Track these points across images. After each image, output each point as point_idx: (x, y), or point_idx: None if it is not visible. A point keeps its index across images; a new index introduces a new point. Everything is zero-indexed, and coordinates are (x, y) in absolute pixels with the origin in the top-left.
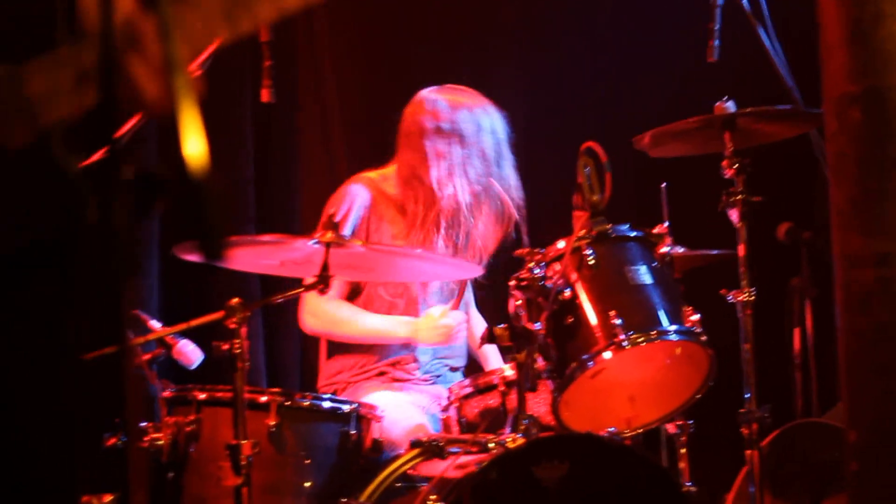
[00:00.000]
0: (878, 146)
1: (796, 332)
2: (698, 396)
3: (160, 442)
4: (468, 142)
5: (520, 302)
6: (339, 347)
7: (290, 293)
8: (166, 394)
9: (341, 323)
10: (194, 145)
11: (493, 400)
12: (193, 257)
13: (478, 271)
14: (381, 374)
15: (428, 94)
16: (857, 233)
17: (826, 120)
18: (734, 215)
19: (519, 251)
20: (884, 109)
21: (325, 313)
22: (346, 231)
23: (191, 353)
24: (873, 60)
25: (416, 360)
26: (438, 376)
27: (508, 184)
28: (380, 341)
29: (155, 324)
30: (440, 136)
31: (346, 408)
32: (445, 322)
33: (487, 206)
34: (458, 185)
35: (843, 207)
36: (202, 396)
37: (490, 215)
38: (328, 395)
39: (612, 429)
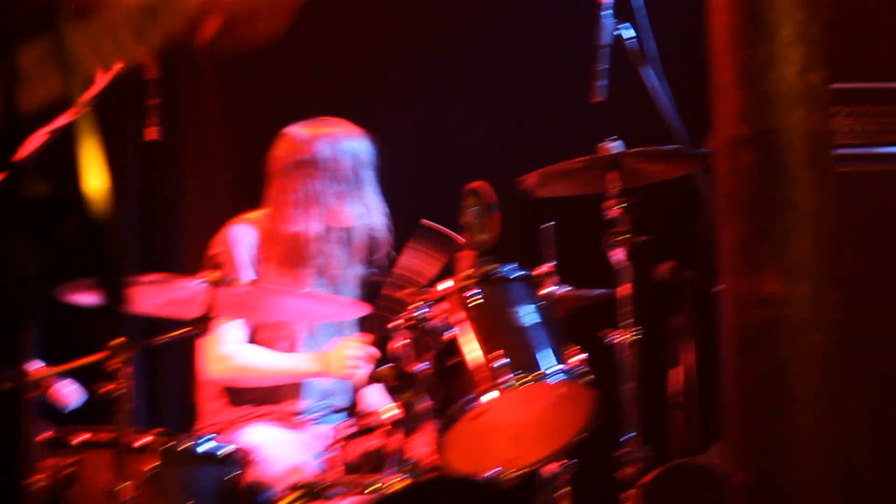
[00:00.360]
0: (769, 188)
1: (676, 372)
2: (582, 436)
3: (37, 486)
4: (324, 171)
5: (405, 342)
6: (220, 389)
7: (174, 334)
8: (45, 436)
9: (248, 368)
10: (96, 182)
11: (376, 441)
12: (86, 299)
13: (365, 310)
14: (264, 414)
15: (289, 129)
16: (746, 274)
17: (717, 161)
18: (618, 255)
19: (403, 291)
20: (774, 151)
21: (228, 359)
22: (236, 271)
23: (67, 395)
24: (765, 103)
25: (301, 402)
26: (323, 416)
27: (371, 210)
28: (289, 380)
29: (33, 365)
30: (296, 169)
31: (226, 450)
32: (354, 353)
33: (351, 235)
34: (315, 218)
35: (733, 248)
36: (81, 439)
37: (358, 245)
38: (208, 437)
39: (496, 469)
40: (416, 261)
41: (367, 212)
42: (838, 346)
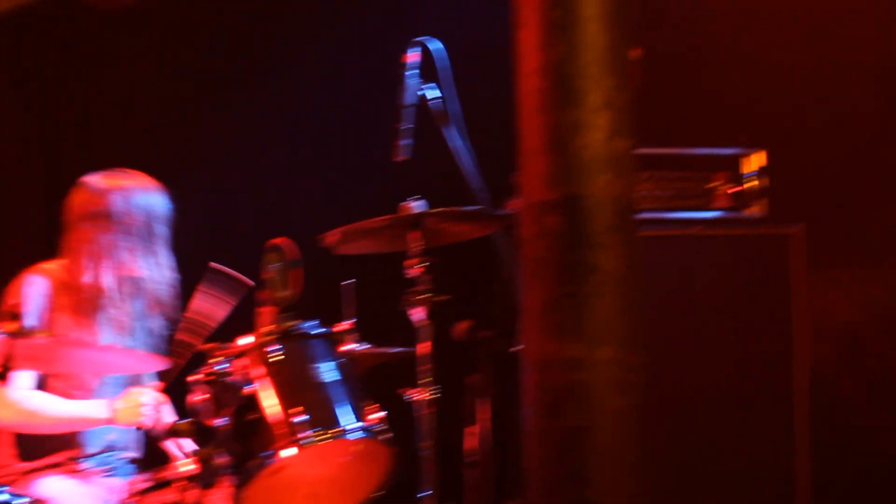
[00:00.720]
0: (574, 252)
1: (473, 430)
2: (379, 493)
3: None
4: (117, 224)
5: (204, 396)
6: (12, 437)
7: None
8: None
9: (35, 413)
10: None
11: (172, 495)
12: None
13: (164, 364)
14: (58, 465)
15: (85, 179)
16: (550, 336)
17: (524, 224)
18: (418, 314)
19: (204, 346)
20: (580, 216)
21: (16, 405)
22: (30, 321)
23: None
24: (572, 168)
25: (87, 453)
26: (116, 468)
27: (162, 264)
28: (78, 427)
29: None
30: (90, 221)
31: (20, 501)
32: (144, 401)
33: (143, 288)
34: (106, 270)
35: (538, 311)
36: None
37: (150, 298)
38: (2, 489)
39: None
40: (206, 305)
41: (159, 265)
42: (640, 409)
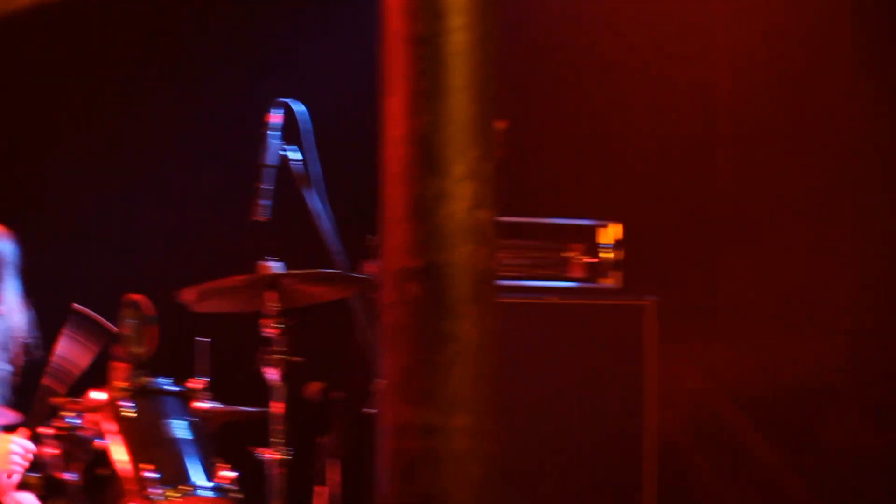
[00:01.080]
0: (433, 320)
1: (322, 491)
2: None
3: None
4: None
5: (54, 451)
6: None
7: None
8: None
9: None
10: None
11: None
12: None
13: (15, 417)
14: None
15: None
16: (407, 403)
17: (384, 291)
18: (272, 374)
19: (55, 399)
20: (441, 285)
21: None
22: None
23: None
24: (433, 237)
25: None
26: None
27: (11, 309)
28: None
29: None
30: None
31: None
32: (10, 447)
33: None
34: None
35: (395, 377)
36: None
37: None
38: None
39: None
40: (70, 350)
41: (8, 311)
42: (495, 476)
